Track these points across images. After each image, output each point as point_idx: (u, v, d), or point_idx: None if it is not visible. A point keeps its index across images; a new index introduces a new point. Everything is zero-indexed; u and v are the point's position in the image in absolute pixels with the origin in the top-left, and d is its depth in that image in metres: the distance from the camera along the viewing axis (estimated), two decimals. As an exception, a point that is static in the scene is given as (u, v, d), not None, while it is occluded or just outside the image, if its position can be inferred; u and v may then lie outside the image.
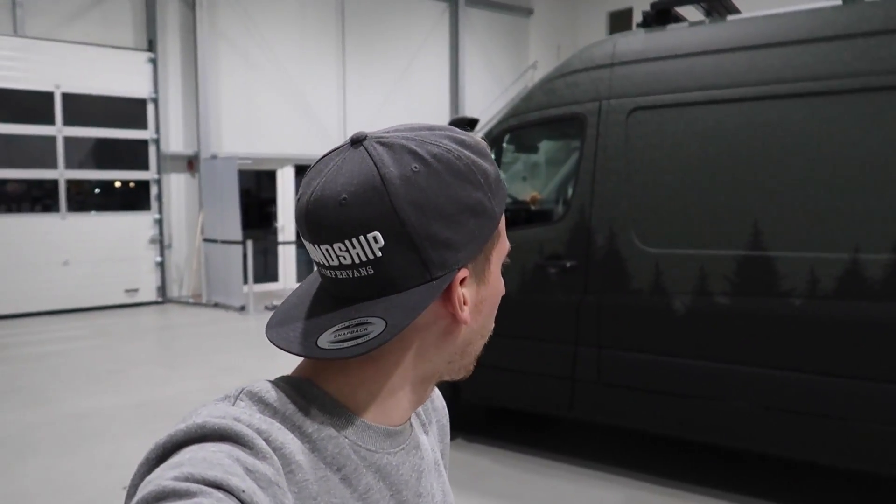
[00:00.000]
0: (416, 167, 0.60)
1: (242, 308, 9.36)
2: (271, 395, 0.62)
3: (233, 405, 0.60)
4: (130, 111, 9.99)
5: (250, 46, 10.98)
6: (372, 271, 0.61)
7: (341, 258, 0.61)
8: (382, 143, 0.62)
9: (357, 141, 0.63)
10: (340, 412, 0.63)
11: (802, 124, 3.18)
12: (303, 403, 0.62)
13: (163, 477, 0.48)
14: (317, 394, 0.64)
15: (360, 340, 0.61)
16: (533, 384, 3.99)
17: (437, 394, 0.86)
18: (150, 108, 10.13)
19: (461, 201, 0.62)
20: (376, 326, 0.60)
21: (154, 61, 10.09)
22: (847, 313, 3.04)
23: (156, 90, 10.14)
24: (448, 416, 0.86)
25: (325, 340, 0.61)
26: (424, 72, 12.84)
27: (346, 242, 0.60)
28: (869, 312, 2.99)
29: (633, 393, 3.64)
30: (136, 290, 10.10)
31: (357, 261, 0.60)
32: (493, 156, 0.67)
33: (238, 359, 6.85)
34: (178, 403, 5.33)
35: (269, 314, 7.86)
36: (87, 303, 9.61)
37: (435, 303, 0.62)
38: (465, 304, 0.64)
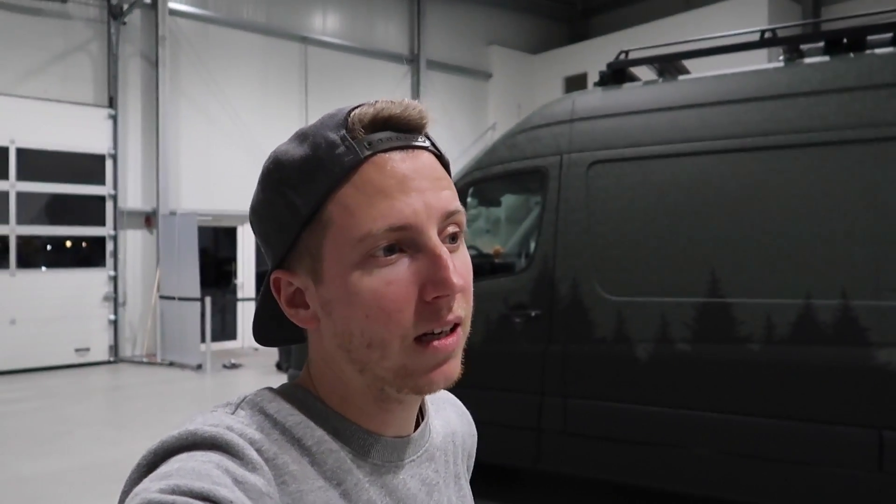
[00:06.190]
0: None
1: (199, 366, 9.08)
2: (273, 405, 0.61)
3: (232, 413, 0.60)
4: (88, 167, 9.85)
5: (211, 104, 11.03)
6: None
7: None
8: None
9: None
10: (342, 424, 0.62)
11: (752, 177, 3.34)
12: (304, 415, 0.61)
13: (149, 489, 0.48)
14: (320, 408, 0.63)
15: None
16: (498, 435, 3.94)
17: (463, 409, 0.85)
18: (109, 163, 10.01)
19: (262, 202, 0.63)
20: None
21: (114, 117, 10.04)
22: (801, 358, 3.12)
23: (115, 146, 10.05)
24: (476, 434, 0.88)
25: None
26: (386, 131, 13.03)
27: None
28: (822, 356, 3.08)
29: (599, 442, 3.63)
30: (87, 350, 9.73)
31: None
32: (338, 132, 0.60)
33: (193, 418, 6.60)
34: (128, 466, 5.06)
35: (228, 372, 7.63)
36: (35, 363, 9.18)
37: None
38: (306, 307, 0.62)
